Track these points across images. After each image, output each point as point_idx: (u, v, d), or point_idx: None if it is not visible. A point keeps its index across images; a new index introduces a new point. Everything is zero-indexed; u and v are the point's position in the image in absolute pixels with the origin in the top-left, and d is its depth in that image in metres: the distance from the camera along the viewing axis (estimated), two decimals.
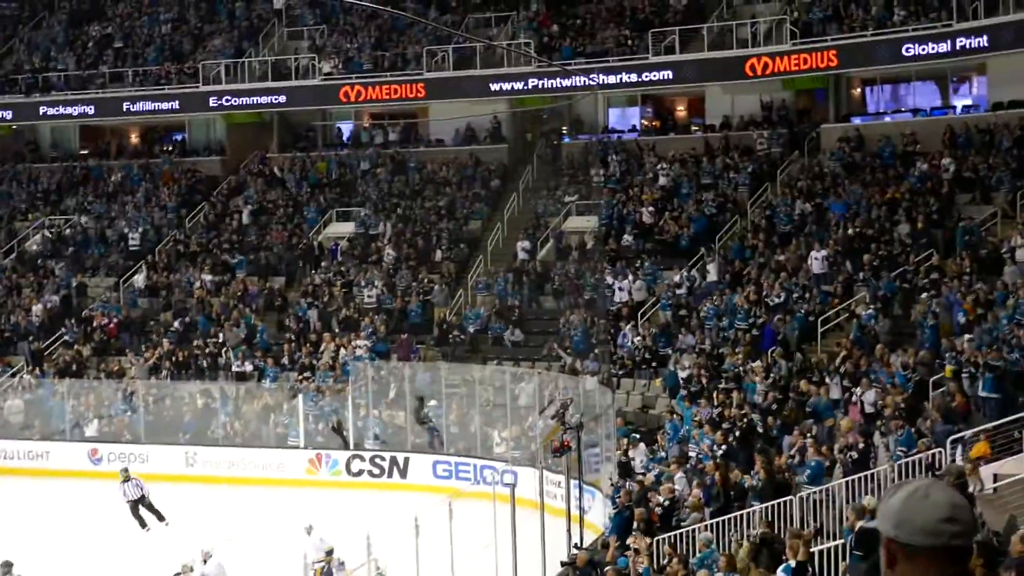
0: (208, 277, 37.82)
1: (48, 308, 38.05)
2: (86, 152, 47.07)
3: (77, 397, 33.67)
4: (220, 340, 34.93)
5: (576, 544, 19.62)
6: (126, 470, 26.53)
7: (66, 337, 36.88)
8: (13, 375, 35.59)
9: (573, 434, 21.01)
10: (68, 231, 42.25)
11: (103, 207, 42.99)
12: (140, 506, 25.95)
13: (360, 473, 29.91)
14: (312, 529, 21.67)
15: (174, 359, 34.54)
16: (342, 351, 33.22)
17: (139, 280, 38.76)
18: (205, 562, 20.91)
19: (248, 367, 33.62)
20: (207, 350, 34.65)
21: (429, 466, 29.36)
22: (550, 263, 35.95)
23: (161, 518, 25.94)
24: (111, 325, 36.85)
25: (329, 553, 20.62)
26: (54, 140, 47.96)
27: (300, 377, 32.50)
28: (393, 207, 39.53)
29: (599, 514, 23.49)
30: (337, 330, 34.38)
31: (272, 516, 26.84)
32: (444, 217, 38.68)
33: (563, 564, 18.85)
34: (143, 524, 25.89)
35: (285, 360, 33.58)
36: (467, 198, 39.51)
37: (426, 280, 35.87)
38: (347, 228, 39.66)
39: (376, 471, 29.83)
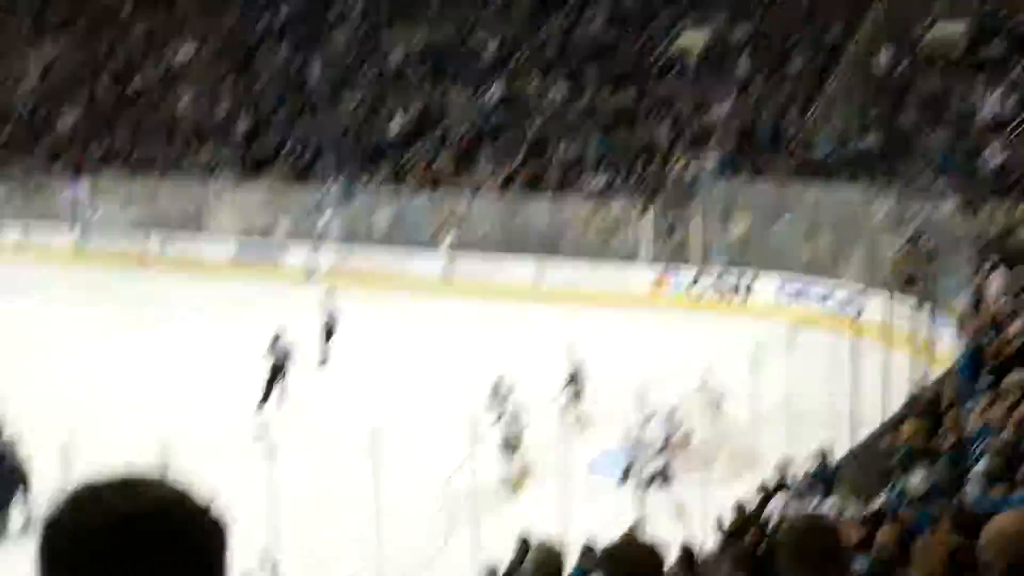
0: (561, 89, 37.81)
1: (409, 120, 39.18)
2: None
3: (435, 208, 34.73)
4: (571, 154, 35.06)
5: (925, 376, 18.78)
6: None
7: (426, 149, 37.94)
8: (377, 187, 36.95)
9: (926, 262, 19.96)
10: (429, 41, 43.03)
11: (460, 16, 43.46)
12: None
13: (706, 291, 29.67)
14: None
15: (526, 173, 34.97)
16: (691, 166, 32.72)
17: (495, 91, 39.20)
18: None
19: (598, 182, 33.65)
20: (558, 163, 34.87)
21: (775, 285, 28.78)
22: (913, 73, 33.87)
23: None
24: (468, 137, 37.56)
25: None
26: None
27: (649, 193, 32.28)
28: (749, 14, 38.12)
29: (948, 345, 22.37)
30: (687, 145, 33.82)
31: (616, 331, 27.18)
32: (802, 24, 37.03)
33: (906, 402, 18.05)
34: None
35: (635, 175, 33.38)
36: (827, 2, 37.58)
37: (780, 92, 34.58)
38: (700, 37, 38.61)
39: (722, 289, 29.50)
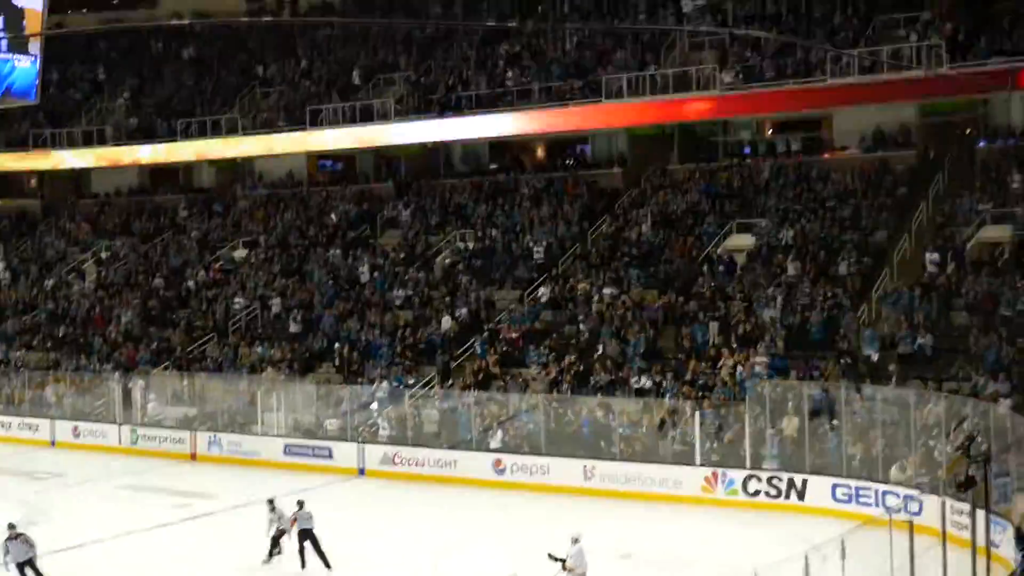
0: (608, 290, 38.25)
1: (458, 320, 39.63)
2: (495, 167, 48.98)
3: (483, 408, 34.85)
4: (619, 353, 35.23)
5: None
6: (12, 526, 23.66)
7: (475, 349, 38.25)
8: (425, 385, 37.23)
9: (979, 467, 19.70)
10: (477, 245, 43.89)
11: (510, 221, 44.41)
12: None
13: (757, 493, 29.32)
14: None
15: (575, 372, 35.12)
16: (739, 367, 32.75)
17: (543, 293, 39.72)
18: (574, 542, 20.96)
19: (646, 382, 33.70)
20: (607, 363, 35.01)
21: (828, 489, 28.41)
22: (962, 276, 34.06)
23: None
24: (517, 337, 37.90)
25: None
26: (464, 155, 50.20)
27: (698, 394, 32.26)
28: (795, 217, 38.70)
29: (1009, 548, 21.93)
30: (736, 345, 33.92)
31: (668, 532, 26.95)
32: (848, 228, 37.51)
33: None
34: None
35: (684, 376, 33.43)
36: (873, 207, 38.12)
37: (829, 295, 34.79)
38: (747, 240, 39.15)
39: (773, 492, 29.15)
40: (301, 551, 24.15)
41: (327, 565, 23.82)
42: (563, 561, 20.00)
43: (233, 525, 29.05)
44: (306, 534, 24.13)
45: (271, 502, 25.07)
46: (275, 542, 24.58)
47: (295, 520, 24.27)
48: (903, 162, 39.80)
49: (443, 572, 23.87)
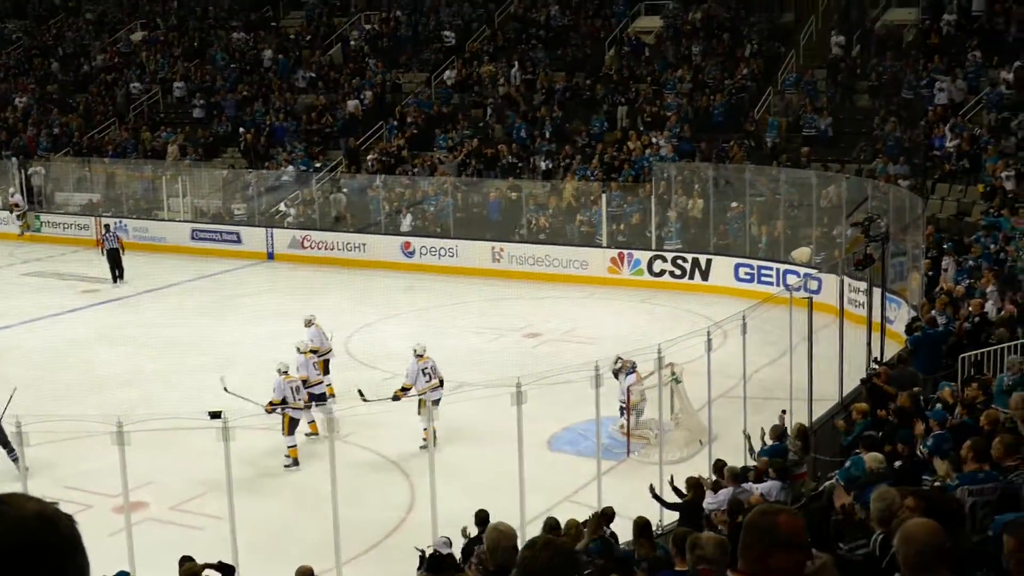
0: (515, 72, 37.96)
1: (363, 104, 39.20)
2: None
3: (391, 191, 34.84)
4: (526, 135, 35.22)
5: (876, 359, 19.03)
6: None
7: (382, 133, 37.99)
8: (332, 170, 37.04)
9: (878, 247, 20.20)
10: (383, 27, 43.09)
11: (417, 1, 43.56)
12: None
13: (662, 273, 29.90)
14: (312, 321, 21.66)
15: (482, 155, 35.11)
16: (646, 150, 32.95)
17: (450, 76, 39.33)
18: (307, 326, 21.29)
19: (553, 164, 33.82)
20: (513, 146, 35.02)
21: (731, 268, 29.06)
22: (866, 59, 34.28)
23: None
24: (422, 120, 37.65)
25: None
26: None
27: (605, 176, 32.48)
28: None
29: (901, 326, 22.72)
30: (642, 128, 34.05)
31: (574, 311, 27.51)
32: (755, 9, 37.39)
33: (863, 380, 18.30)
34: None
35: (591, 158, 33.56)
36: None
37: (735, 77, 34.88)
38: (655, 22, 38.89)
39: (677, 272, 29.75)
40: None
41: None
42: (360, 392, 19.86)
43: (143, 309, 29.14)
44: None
45: None
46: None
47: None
48: None
49: (352, 350, 24.19)
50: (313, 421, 19.36)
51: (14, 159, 41.22)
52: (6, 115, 45.40)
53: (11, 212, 37.26)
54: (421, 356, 19.29)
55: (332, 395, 20.05)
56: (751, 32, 36.50)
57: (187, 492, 16.99)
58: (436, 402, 17.82)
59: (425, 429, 16.92)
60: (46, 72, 47.48)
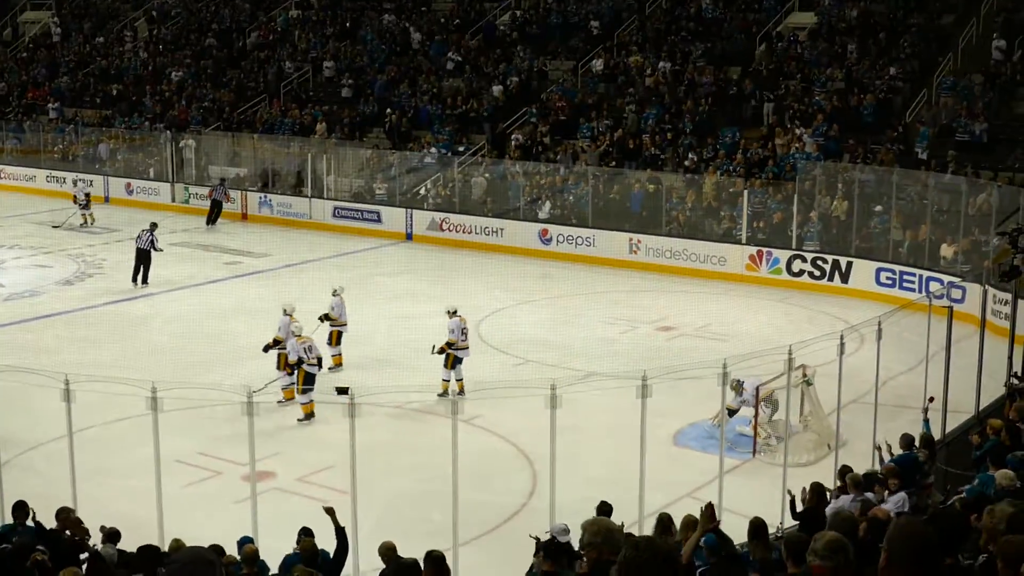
0: (663, 64, 37.68)
1: (507, 89, 39.29)
2: None
3: (531, 178, 34.89)
4: (671, 128, 34.96)
5: (1016, 373, 18.48)
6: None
7: (526, 119, 38.04)
8: (475, 153, 37.24)
9: None
10: (532, 14, 43.13)
11: None
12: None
13: (800, 273, 29.45)
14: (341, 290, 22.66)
15: (624, 145, 34.94)
16: (793, 147, 32.45)
17: (597, 64, 39.20)
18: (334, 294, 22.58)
19: (696, 158, 33.51)
20: (656, 138, 34.79)
21: (872, 272, 28.47)
22: None
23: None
24: (567, 108, 37.59)
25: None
26: None
27: (748, 172, 32.08)
28: None
29: None
30: (789, 125, 33.53)
31: (708, 307, 27.25)
32: (915, 10, 36.50)
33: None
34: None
35: (735, 154, 33.18)
36: None
37: (888, 78, 34.12)
38: (809, 18, 38.25)
39: (817, 273, 29.27)
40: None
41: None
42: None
43: (285, 283, 29.64)
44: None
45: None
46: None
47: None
48: None
49: (484, 334, 24.33)
50: (291, 387, 20.11)
51: (167, 131, 42.30)
52: (161, 88, 46.60)
53: (74, 202, 37.70)
54: (458, 315, 20.75)
55: (339, 365, 22.25)
56: (909, 33, 35.64)
57: (315, 464, 17.24)
58: (461, 360, 20.42)
59: (445, 380, 20.13)
60: (201, 47, 48.60)
